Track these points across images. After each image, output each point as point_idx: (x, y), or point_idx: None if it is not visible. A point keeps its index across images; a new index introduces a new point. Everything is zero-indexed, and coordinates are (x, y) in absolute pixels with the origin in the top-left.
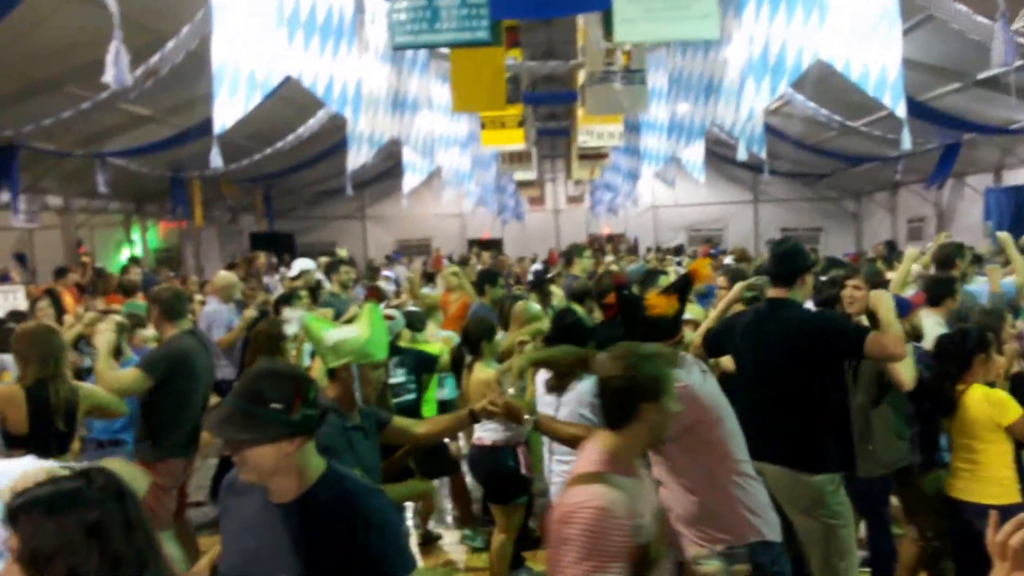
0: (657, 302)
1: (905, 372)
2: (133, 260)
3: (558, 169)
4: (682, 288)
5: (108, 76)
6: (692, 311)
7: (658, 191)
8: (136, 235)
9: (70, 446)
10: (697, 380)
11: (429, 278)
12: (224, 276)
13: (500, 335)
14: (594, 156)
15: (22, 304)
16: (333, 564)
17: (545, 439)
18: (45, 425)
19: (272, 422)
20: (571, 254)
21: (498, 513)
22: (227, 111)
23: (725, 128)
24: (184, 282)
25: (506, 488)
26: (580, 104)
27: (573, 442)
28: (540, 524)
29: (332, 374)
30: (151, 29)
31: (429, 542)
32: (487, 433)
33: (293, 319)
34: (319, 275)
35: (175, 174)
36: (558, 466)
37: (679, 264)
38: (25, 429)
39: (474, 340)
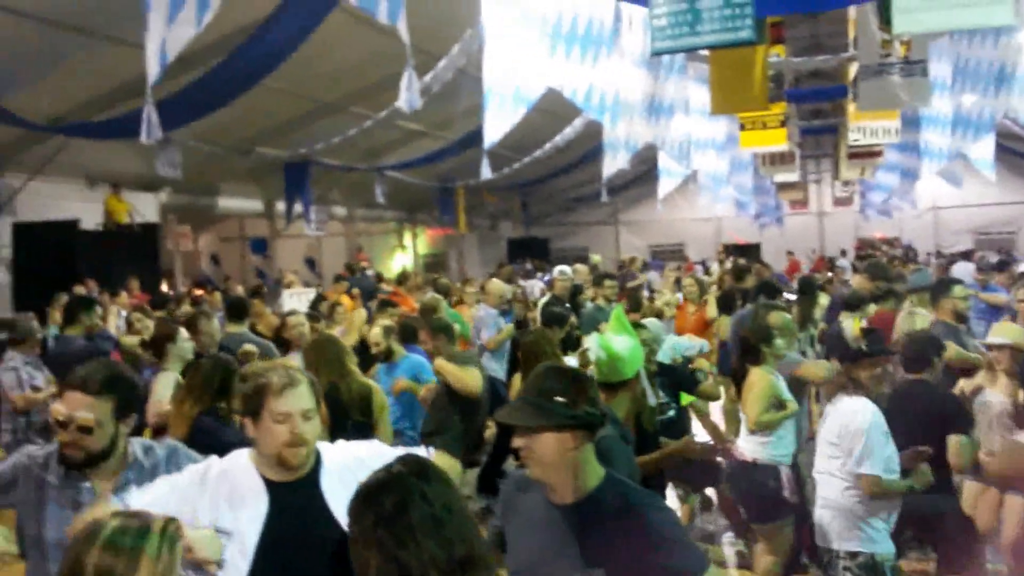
0: None
1: None
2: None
3: (823, 169)
4: None
5: (401, 100)
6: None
7: (939, 191)
8: (408, 241)
9: (373, 437)
10: None
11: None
12: (496, 284)
13: None
14: (866, 154)
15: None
16: (619, 567)
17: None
18: (343, 420)
19: (557, 413)
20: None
21: (759, 533)
22: (496, 125)
23: (1020, 121)
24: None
25: (765, 509)
26: (851, 99)
27: None
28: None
29: (619, 386)
30: (423, 50)
31: None
32: (749, 447)
33: (592, 346)
34: (578, 281)
35: (442, 184)
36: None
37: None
38: (327, 424)
39: (754, 346)
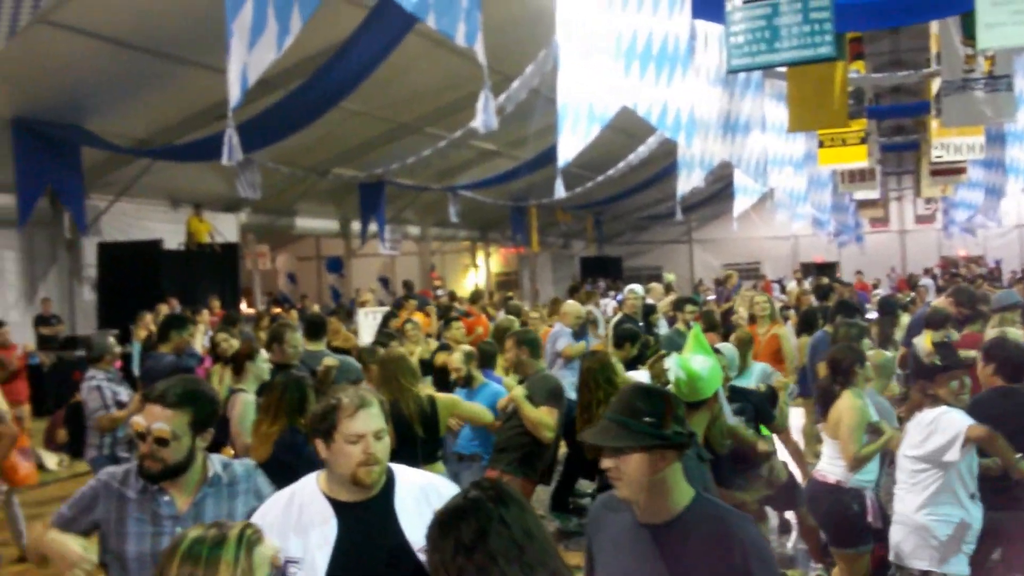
0: None
1: None
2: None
3: (905, 186)
4: None
5: (477, 122)
6: None
7: None
8: (480, 260)
9: (437, 453)
10: None
11: None
12: (572, 305)
13: None
14: (949, 171)
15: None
16: None
17: None
18: (406, 434)
19: (645, 433)
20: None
21: (839, 558)
22: (569, 144)
23: None
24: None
25: (846, 533)
26: (933, 115)
27: None
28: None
29: (697, 406)
30: (497, 71)
31: None
32: (831, 468)
33: (672, 366)
34: (650, 300)
35: (515, 203)
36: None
37: None
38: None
39: (845, 368)
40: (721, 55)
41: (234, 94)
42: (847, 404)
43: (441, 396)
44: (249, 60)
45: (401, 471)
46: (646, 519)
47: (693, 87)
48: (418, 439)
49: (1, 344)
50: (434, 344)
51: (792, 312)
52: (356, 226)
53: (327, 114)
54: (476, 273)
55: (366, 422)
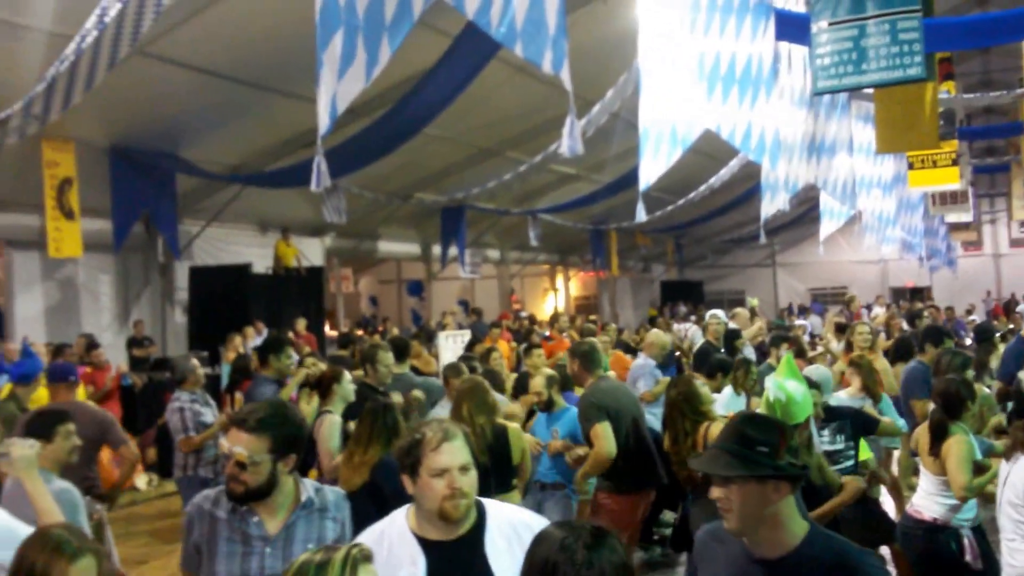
0: None
1: None
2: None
3: (998, 209)
4: None
5: (563, 147)
6: None
7: None
8: (560, 283)
9: (512, 482)
10: None
11: (841, 330)
12: (655, 334)
13: None
14: None
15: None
16: None
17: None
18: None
19: (759, 463)
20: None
21: None
22: (651, 168)
23: None
24: (603, 329)
25: (944, 573)
26: None
27: None
28: None
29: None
30: (578, 95)
31: None
32: (928, 504)
33: (770, 388)
34: (732, 325)
35: (595, 227)
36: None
37: None
38: None
39: (956, 403)
40: (806, 76)
41: (323, 123)
42: (955, 440)
43: (512, 425)
44: (338, 89)
45: (492, 507)
46: (760, 553)
47: (777, 109)
48: (487, 469)
49: (96, 365)
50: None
51: (881, 338)
52: (437, 250)
53: (410, 140)
54: (555, 297)
55: (451, 456)
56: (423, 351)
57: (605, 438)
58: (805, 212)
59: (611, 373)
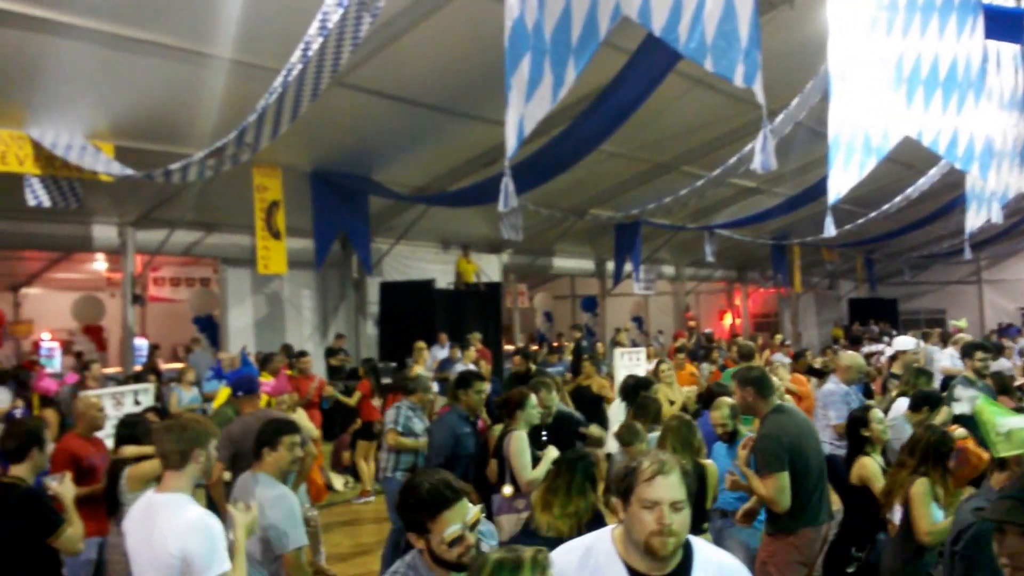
0: None
1: None
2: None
3: None
4: None
5: (756, 163)
6: None
7: None
8: (737, 300)
9: (703, 525)
10: None
11: None
12: (849, 356)
13: None
14: None
15: (643, 365)
16: None
17: None
18: None
19: None
20: None
21: None
22: (842, 179)
23: None
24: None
25: None
26: None
27: None
28: None
29: (1002, 464)
30: (759, 105)
31: None
32: None
33: (964, 398)
34: (939, 355)
35: (776, 241)
36: None
37: None
38: None
39: None
40: (1017, 76)
41: (511, 144)
42: None
43: (710, 465)
44: (526, 112)
45: (700, 546)
46: None
47: (986, 113)
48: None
49: (303, 372)
50: (687, 393)
51: None
52: (610, 266)
53: (586, 157)
54: (732, 314)
55: (663, 490)
56: (595, 372)
57: (781, 492)
58: (1015, 224)
59: (788, 398)
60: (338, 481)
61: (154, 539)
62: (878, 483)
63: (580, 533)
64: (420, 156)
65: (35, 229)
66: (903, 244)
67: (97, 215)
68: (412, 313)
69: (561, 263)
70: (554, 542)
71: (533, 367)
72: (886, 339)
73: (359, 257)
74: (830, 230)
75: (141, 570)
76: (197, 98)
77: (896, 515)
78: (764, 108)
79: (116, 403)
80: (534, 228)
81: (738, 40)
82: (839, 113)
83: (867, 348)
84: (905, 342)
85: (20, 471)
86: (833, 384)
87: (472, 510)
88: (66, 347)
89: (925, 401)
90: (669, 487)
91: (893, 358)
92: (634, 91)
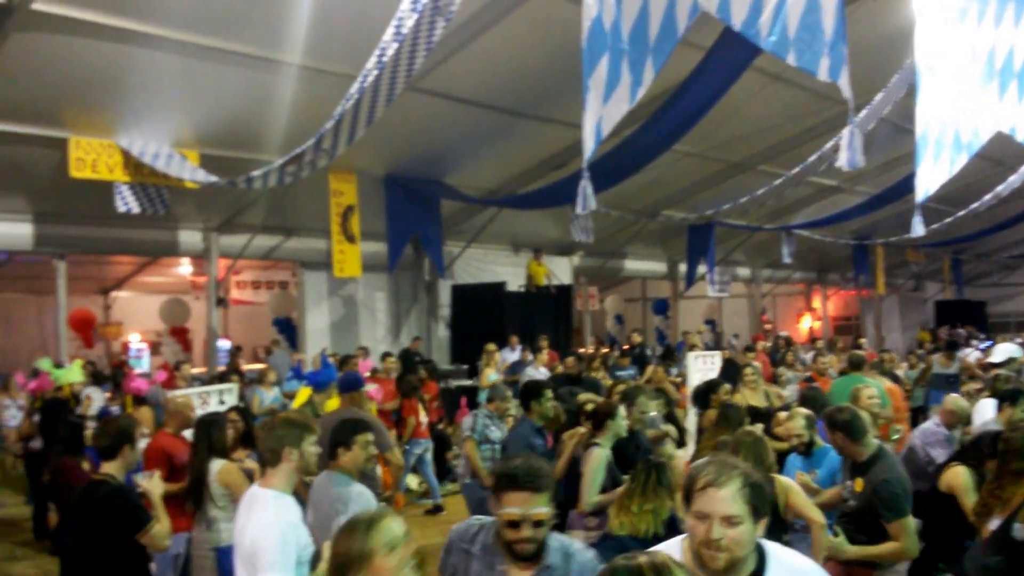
0: None
1: None
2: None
3: None
4: None
5: (841, 160)
6: None
7: None
8: (816, 303)
9: (782, 536)
10: None
11: None
12: (956, 401)
13: None
14: None
15: (717, 368)
16: None
17: None
18: None
19: None
20: None
21: None
22: (930, 177)
23: None
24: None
25: None
26: None
27: None
28: None
29: None
30: (841, 101)
31: None
32: None
33: None
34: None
35: (858, 242)
36: None
37: None
38: None
39: None
40: None
41: (588, 146)
42: None
43: (780, 479)
44: (603, 113)
45: (775, 552)
46: None
47: None
48: None
49: (386, 373)
50: (772, 392)
51: None
52: (683, 268)
53: (658, 157)
54: (811, 317)
55: (714, 503)
56: (665, 378)
57: (911, 535)
58: None
59: (888, 408)
60: (412, 481)
61: (243, 529)
62: (967, 496)
63: (658, 532)
64: (491, 159)
65: (124, 235)
66: (992, 244)
67: (183, 221)
68: (483, 316)
69: (632, 265)
70: (628, 541)
71: (595, 371)
72: (974, 343)
73: (431, 260)
74: (918, 229)
75: (238, 558)
76: (271, 105)
77: (993, 524)
78: (851, 103)
79: (203, 402)
80: (605, 230)
81: (822, 33)
82: (927, 108)
83: (964, 352)
84: (1007, 350)
85: (111, 468)
86: (933, 426)
87: (542, 507)
88: (154, 348)
89: (1006, 398)
90: (721, 500)
91: (998, 366)
92: (709, 89)
